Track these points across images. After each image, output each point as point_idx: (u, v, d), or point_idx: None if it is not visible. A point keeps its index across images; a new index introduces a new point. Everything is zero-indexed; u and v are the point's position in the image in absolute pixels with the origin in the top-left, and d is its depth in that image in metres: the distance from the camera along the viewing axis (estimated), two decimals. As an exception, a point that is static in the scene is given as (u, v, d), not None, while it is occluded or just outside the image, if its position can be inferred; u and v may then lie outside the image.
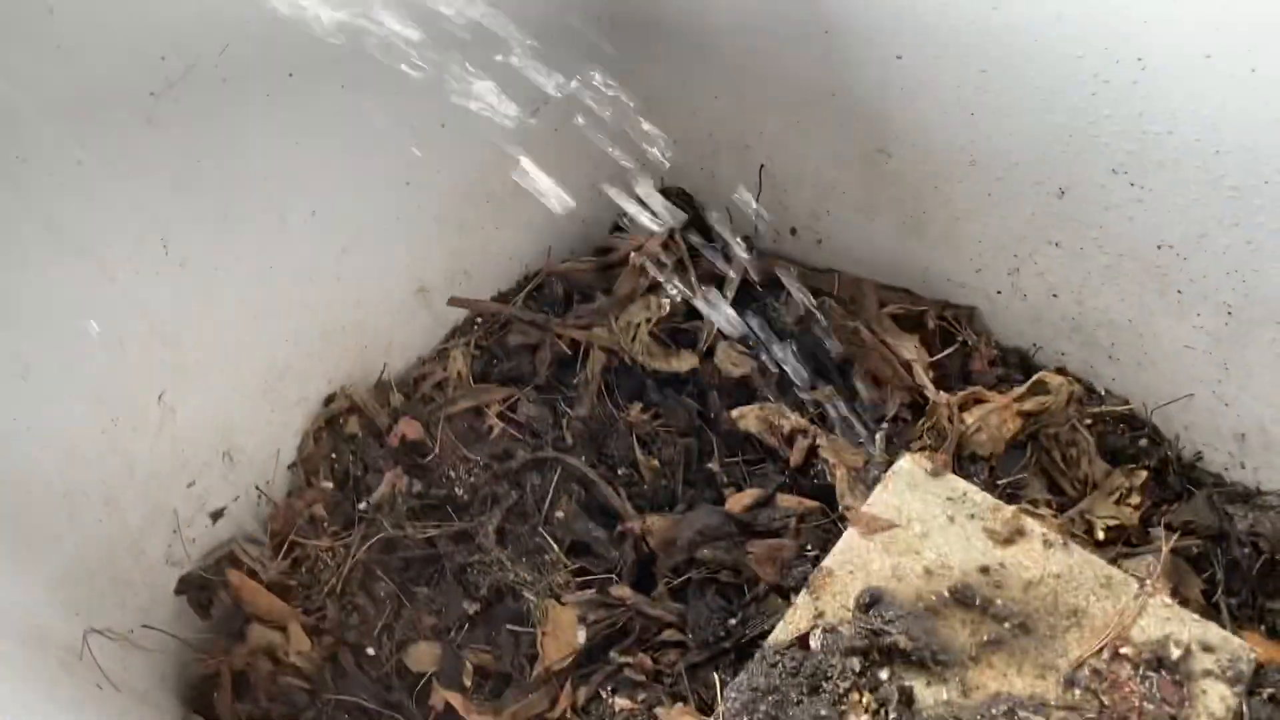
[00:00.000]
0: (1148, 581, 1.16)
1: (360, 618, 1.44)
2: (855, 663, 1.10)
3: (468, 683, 1.38)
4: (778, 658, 1.13)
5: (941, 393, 1.48)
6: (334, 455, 1.59)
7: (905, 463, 1.32)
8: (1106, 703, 1.06)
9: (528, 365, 1.71)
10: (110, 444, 1.30)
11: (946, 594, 1.17)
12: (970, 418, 1.44)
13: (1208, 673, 1.07)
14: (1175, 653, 1.08)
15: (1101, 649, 1.10)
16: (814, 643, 1.14)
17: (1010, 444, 1.44)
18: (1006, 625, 1.13)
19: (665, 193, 1.85)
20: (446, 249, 1.74)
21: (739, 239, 1.74)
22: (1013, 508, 1.25)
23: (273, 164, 1.36)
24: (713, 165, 1.81)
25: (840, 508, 1.38)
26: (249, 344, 1.46)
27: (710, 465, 1.55)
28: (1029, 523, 1.23)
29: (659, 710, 1.26)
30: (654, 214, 1.68)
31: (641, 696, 1.29)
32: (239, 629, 1.42)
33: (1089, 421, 1.47)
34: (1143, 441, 1.47)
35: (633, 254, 1.70)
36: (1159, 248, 1.33)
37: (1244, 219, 1.22)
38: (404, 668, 1.41)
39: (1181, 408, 1.44)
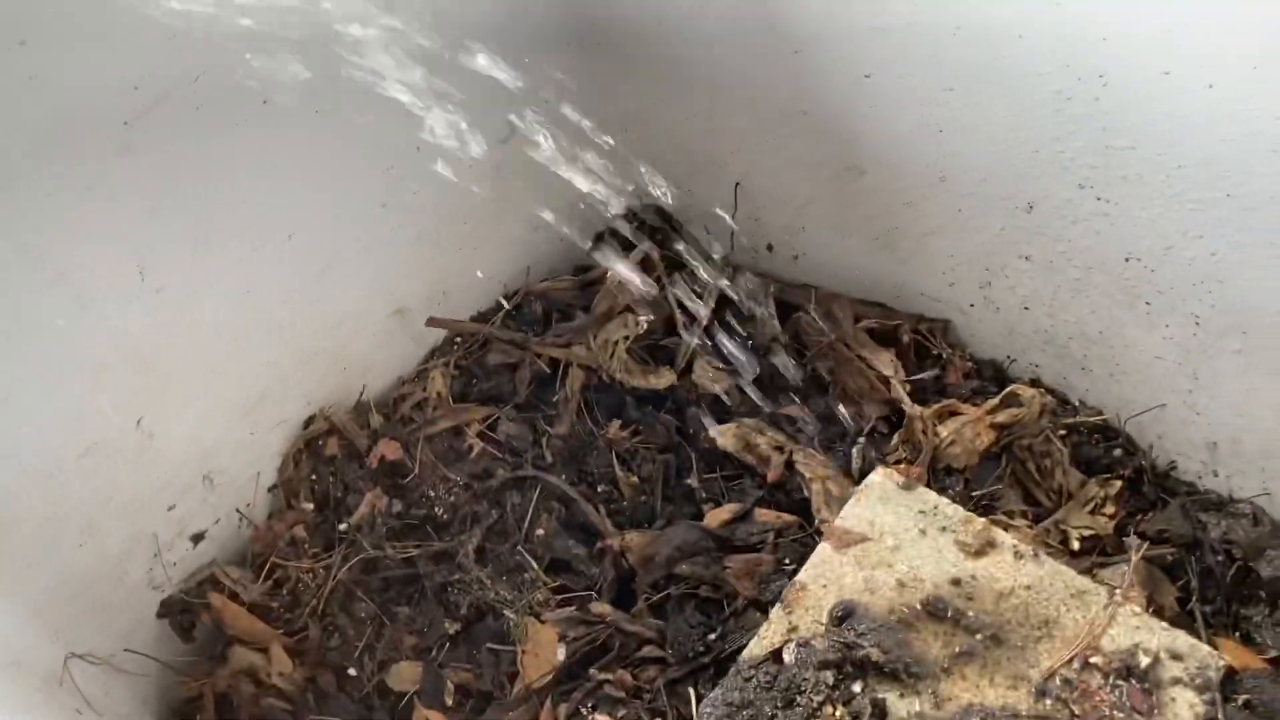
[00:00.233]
0: (1118, 591, 1.17)
1: (341, 638, 1.45)
2: (829, 676, 1.11)
3: (449, 701, 1.39)
4: (752, 672, 1.14)
5: (916, 406, 1.49)
6: (314, 477, 1.60)
7: (877, 476, 1.34)
8: (1077, 712, 1.07)
9: (507, 384, 1.72)
10: (90, 469, 1.31)
11: (919, 606, 1.18)
12: (945, 430, 1.45)
13: (1176, 680, 1.08)
14: (1144, 661, 1.09)
15: (1072, 659, 1.11)
16: (788, 656, 1.15)
17: (984, 456, 1.45)
18: (978, 637, 1.14)
19: (642, 211, 1.86)
20: (424, 270, 1.75)
21: (715, 256, 1.75)
22: (983, 520, 1.26)
23: (248, 189, 1.38)
24: (689, 183, 1.83)
25: (816, 522, 1.39)
26: (227, 368, 1.47)
27: (689, 481, 1.56)
28: (1000, 535, 1.25)
29: (639, 726, 1.27)
30: (627, 238, 1.69)
31: (621, 713, 1.29)
32: (221, 651, 1.43)
33: (1063, 433, 1.47)
34: (1117, 451, 1.47)
35: (609, 273, 1.72)
36: (1127, 260, 1.34)
37: (1208, 231, 1.23)
38: (385, 687, 1.42)
39: (1154, 418, 1.45)
